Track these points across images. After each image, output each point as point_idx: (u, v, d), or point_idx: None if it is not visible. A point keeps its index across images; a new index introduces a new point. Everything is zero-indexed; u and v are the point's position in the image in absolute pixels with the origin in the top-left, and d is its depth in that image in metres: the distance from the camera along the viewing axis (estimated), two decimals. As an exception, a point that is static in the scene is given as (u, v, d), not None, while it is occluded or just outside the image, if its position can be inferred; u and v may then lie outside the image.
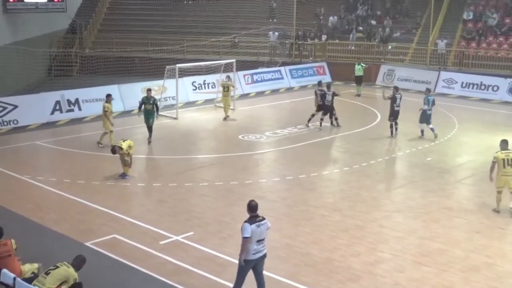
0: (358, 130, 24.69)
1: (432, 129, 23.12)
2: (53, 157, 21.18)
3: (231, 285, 10.87)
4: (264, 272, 10.79)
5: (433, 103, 23.22)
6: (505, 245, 13.87)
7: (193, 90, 30.68)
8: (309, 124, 25.09)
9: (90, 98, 26.63)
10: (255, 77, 33.85)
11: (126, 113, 26.77)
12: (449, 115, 27.83)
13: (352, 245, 13.52)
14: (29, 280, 9.96)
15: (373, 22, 40.53)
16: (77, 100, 26.25)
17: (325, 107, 24.81)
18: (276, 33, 38.20)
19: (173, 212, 15.47)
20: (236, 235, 12.05)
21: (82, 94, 26.60)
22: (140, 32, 38.91)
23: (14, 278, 9.92)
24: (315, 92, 25.65)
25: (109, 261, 12.54)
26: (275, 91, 33.79)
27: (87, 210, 15.42)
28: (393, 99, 23.53)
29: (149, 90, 22.64)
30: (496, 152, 15.74)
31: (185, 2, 43.70)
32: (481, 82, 32.72)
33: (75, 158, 20.50)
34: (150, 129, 22.12)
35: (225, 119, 26.40)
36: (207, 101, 30.19)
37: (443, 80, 33.92)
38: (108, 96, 21.71)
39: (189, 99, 29.99)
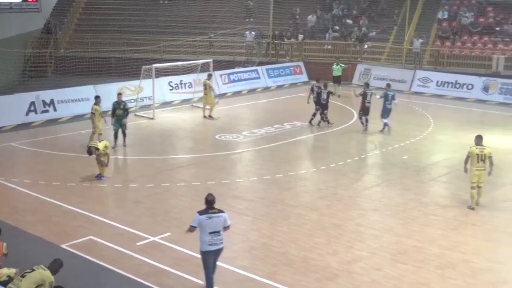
0: (335, 129, 24.79)
1: (386, 124, 23.73)
2: (28, 158, 20.90)
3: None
4: (243, 272, 10.80)
5: (393, 98, 23.96)
6: (479, 241, 14.02)
7: (170, 90, 30.58)
8: (312, 123, 25.24)
9: (65, 98, 26.38)
10: (231, 76, 33.82)
11: (102, 113, 26.36)
12: (424, 114, 28.10)
13: (330, 243, 13.58)
14: (4, 283, 9.87)
15: (349, 21, 40.70)
16: (52, 101, 25.95)
17: (321, 105, 24.95)
18: (253, 33, 38.18)
19: (150, 213, 15.41)
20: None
21: (57, 94, 26.33)
22: (116, 32, 38.56)
23: (-12, 281, 9.84)
24: (312, 87, 25.69)
25: (86, 263, 12.45)
26: (252, 91, 33.78)
27: (63, 212, 15.29)
28: (364, 95, 23.93)
29: (119, 94, 22.26)
30: (471, 147, 15.85)
31: (161, 1, 43.38)
32: (456, 81, 33.09)
33: (51, 159, 20.30)
34: (123, 133, 21.52)
35: (206, 117, 26.41)
36: (184, 101, 30.09)
37: (418, 79, 34.22)
38: (97, 97, 21.31)
39: (165, 99, 29.88)
